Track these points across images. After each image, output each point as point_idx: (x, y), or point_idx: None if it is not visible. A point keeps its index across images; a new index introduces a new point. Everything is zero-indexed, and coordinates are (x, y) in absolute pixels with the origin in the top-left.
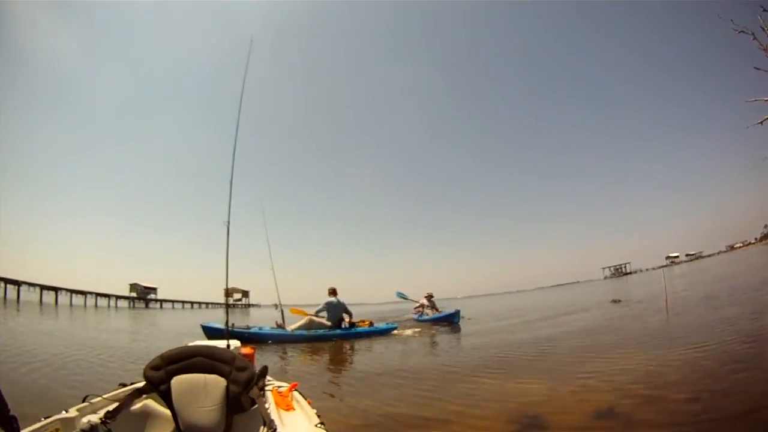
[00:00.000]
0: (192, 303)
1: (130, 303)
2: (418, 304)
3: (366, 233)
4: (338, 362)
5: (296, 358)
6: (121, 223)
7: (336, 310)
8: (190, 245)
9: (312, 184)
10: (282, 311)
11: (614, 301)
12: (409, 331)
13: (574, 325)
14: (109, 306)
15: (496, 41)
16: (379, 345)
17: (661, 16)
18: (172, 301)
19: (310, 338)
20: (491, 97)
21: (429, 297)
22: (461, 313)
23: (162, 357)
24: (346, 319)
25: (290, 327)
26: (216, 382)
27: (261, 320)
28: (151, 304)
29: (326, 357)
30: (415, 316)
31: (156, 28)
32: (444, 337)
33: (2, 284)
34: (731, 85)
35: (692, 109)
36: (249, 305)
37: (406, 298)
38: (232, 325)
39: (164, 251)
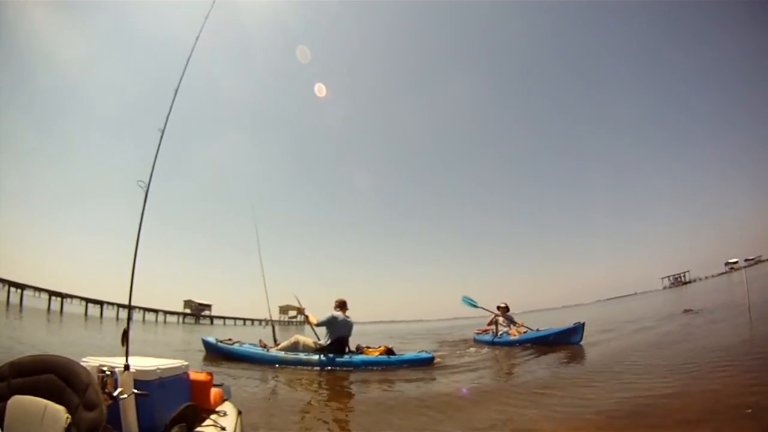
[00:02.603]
0: (244, 319)
1: (179, 318)
2: (488, 321)
3: (422, 250)
4: (328, 400)
5: (268, 388)
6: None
7: (341, 328)
8: (248, 262)
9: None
10: (273, 328)
11: (686, 311)
12: (469, 355)
13: (658, 339)
14: (156, 321)
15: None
16: (409, 382)
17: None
18: (224, 318)
19: (287, 362)
20: (536, 103)
21: (504, 309)
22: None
23: (11, 365)
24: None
25: (275, 347)
26: (56, 417)
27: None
28: (202, 321)
29: (311, 391)
30: (485, 337)
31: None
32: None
33: (47, 296)
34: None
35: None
36: (304, 322)
37: (475, 306)
38: (229, 339)
39: (226, 270)
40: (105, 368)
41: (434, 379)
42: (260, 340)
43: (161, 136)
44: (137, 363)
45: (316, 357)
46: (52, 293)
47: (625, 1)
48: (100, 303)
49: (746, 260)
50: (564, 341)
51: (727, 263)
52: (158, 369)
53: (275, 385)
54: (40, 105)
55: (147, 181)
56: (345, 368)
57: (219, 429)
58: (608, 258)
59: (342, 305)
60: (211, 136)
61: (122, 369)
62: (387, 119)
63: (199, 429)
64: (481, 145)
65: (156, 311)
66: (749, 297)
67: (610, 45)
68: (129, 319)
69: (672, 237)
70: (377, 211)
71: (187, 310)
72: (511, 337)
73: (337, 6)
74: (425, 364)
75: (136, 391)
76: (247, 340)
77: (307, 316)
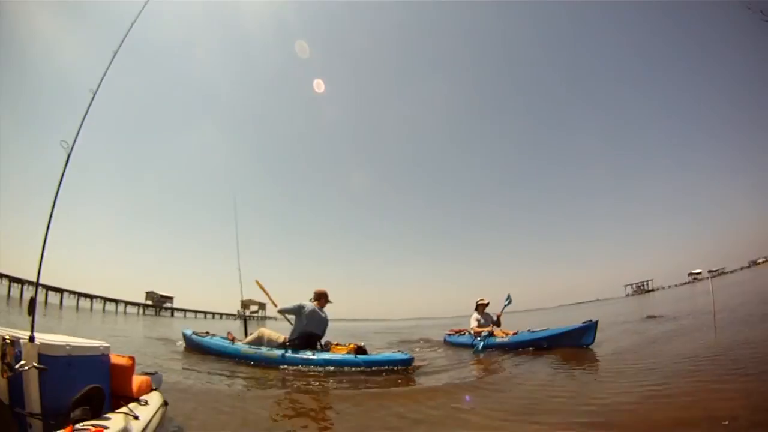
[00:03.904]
0: (205, 313)
1: (139, 309)
2: (474, 323)
3: (390, 253)
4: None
5: (216, 381)
6: (157, 232)
7: (308, 321)
8: (214, 258)
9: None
10: (245, 321)
11: (650, 317)
12: (446, 359)
13: (621, 344)
14: (116, 311)
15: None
16: (379, 385)
17: (667, 20)
18: (184, 310)
19: (248, 357)
20: (510, 107)
21: (482, 306)
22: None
23: None
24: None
25: (241, 341)
26: None
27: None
28: (162, 312)
29: (260, 389)
30: (461, 339)
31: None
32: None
33: (7, 282)
34: (758, 82)
35: (714, 112)
36: (265, 317)
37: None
38: (207, 332)
39: (193, 265)
40: (7, 337)
41: (414, 384)
42: (228, 333)
43: (92, 97)
44: (46, 337)
45: (276, 353)
46: (12, 279)
47: (618, 2)
48: (60, 291)
49: (710, 271)
50: (570, 343)
51: (690, 274)
52: (68, 346)
53: (225, 379)
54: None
55: (71, 142)
56: (305, 366)
57: (130, 417)
58: (571, 264)
59: (320, 297)
60: (187, 130)
61: (26, 340)
62: (367, 123)
63: (108, 415)
64: (455, 149)
65: (116, 301)
66: (715, 305)
67: (594, 49)
68: (36, 290)
69: (636, 247)
70: (350, 214)
71: (149, 302)
72: (499, 339)
73: (328, 5)
74: (401, 366)
75: (36, 364)
76: (221, 333)
77: (263, 332)
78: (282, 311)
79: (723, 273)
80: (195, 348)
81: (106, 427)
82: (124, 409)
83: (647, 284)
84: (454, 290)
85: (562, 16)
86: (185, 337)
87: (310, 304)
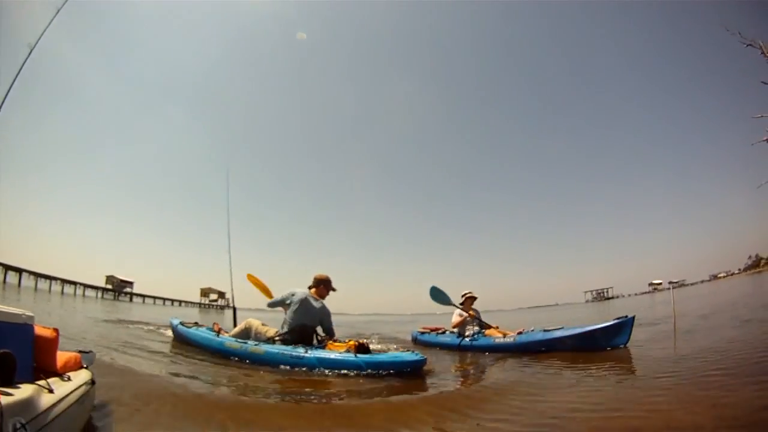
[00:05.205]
0: (164, 299)
1: (97, 293)
2: (456, 321)
3: (346, 247)
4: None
5: (175, 375)
6: (120, 222)
7: (301, 312)
8: (178, 247)
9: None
10: (234, 311)
11: None
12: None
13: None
14: (75, 294)
15: (498, 53)
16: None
17: (663, 30)
18: (143, 296)
19: (231, 352)
20: (488, 113)
21: (470, 300)
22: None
23: None
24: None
25: (227, 333)
26: None
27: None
28: (121, 297)
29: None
30: (442, 339)
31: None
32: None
33: None
34: (731, 102)
35: (689, 129)
36: (224, 306)
37: (448, 302)
38: (195, 323)
39: (154, 252)
40: None
41: (431, 392)
42: (215, 324)
43: (29, 52)
44: None
45: (262, 348)
46: None
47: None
48: (19, 270)
49: (670, 282)
50: (599, 345)
51: (650, 284)
52: (28, 316)
53: (189, 371)
54: None
55: (2, 96)
56: (295, 366)
57: (44, 390)
58: (532, 268)
59: (318, 284)
60: (159, 107)
61: None
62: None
63: (19, 384)
64: (419, 147)
65: (75, 284)
66: (675, 315)
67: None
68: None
69: (597, 255)
70: (312, 208)
71: (109, 286)
72: (499, 340)
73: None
74: (412, 368)
75: None
76: (206, 323)
77: (251, 323)
78: (271, 305)
79: (683, 285)
80: (180, 339)
81: (7, 394)
82: (40, 382)
83: (607, 292)
84: (414, 288)
85: (571, 19)
86: (173, 328)
87: (302, 292)
